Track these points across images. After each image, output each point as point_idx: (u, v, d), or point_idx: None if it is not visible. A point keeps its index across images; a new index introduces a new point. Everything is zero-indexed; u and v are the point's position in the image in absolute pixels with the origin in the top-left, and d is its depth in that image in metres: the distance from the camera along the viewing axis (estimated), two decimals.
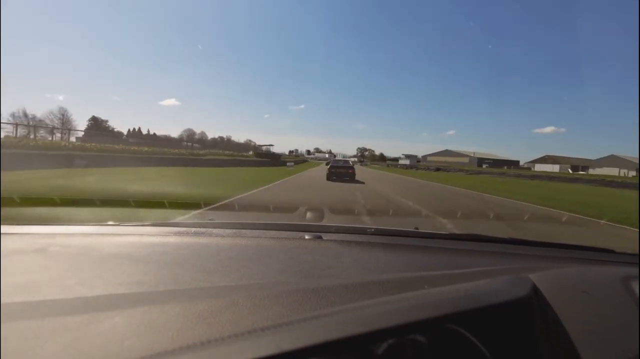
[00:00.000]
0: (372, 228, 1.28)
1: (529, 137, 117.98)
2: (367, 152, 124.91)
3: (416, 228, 1.41)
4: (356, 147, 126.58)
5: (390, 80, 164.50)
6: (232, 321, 0.51)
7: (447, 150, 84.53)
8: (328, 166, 17.64)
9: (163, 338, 0.46)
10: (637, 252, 1.13)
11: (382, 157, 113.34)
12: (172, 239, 1.08)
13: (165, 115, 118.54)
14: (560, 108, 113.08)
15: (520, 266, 0.88)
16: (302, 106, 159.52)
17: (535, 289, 0.64)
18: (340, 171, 16.73)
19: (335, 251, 1.04)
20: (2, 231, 1.01)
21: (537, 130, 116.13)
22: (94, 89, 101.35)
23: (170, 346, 0.42)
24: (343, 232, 1.27)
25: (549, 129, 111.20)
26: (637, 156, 51.85)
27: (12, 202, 3.72)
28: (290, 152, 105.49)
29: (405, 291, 0.63)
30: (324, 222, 1.83)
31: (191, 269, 0.80)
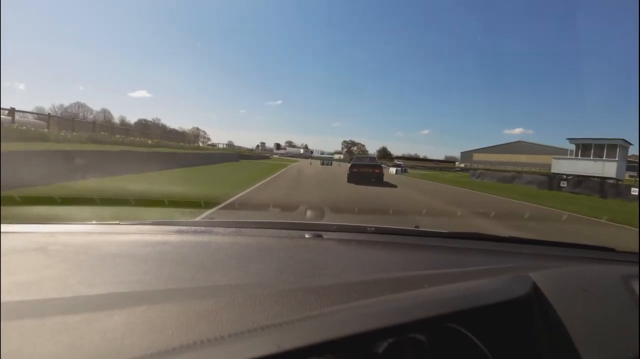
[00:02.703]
0: (372, 227, 1.28)
1: (500, 137, 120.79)
2: (355, 148, 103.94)
3: (416, 227, 1.41)
4: (341, 141, 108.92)
5: (366, 79, 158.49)
6: (232, 320, 0.51)
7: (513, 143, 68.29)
8: (321, 164, 16.01)
9: (163, 336, 0.46)
10: (638, 251, 1.13)
11: (385, 154, 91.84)
12: (173, 238, 1.08)
13: (136, 107, 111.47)
14: (528, 111, 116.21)
15: (520, 264, 0.88)
16: (279, 102, 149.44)
17: (535, 288, 0.64)
18: (364, 171, 13.69)
19: (335, 250, 1.04)
20: (2, 230, 1.01)
21: (507, 131, 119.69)
22: (56, 78, 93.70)
23: (170, 345, 0.42)
24: (343, 231, 1.27)
25: (518, 131, 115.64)
26: (544, 143, 56.66)
27: (12, 201, 3.73)
28: (258, 146, 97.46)
29: (405, 290, 0.63)
30: (324, 221, 1.83)
31: (191, 268, 0.80)
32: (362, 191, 11.27)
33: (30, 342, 0.45)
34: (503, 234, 1.30)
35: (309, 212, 2.50)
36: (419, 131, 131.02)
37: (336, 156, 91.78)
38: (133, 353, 0.42)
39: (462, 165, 62.86)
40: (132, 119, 65.34)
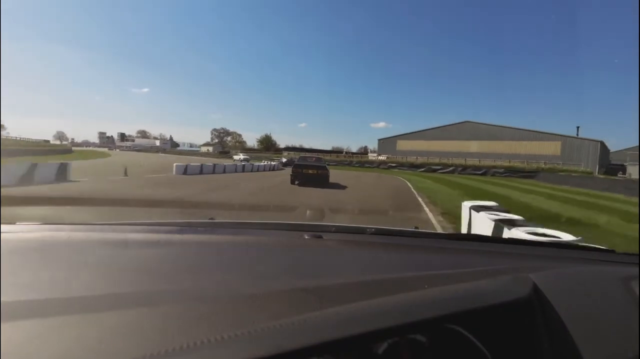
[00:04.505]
0: (372, 228, 1.28)
1: (368, 130, 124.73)
2: (229, 138, 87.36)
3: (416, 227, 1.41)
4: (210, 129, 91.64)
5: (246, 68, 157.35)
6: (232, 321, 0.51)
7: None
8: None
9: (163, 337, 0.46)
10: (638, 252, 1.13)
11: (269, 145, 74.02)
12: (173, 239, 1.08)
13: None
14: (390, 106, 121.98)
15: (520, 265, 0.87)
16: (146, 90, 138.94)
17: (535, 289, 0.64)
18: (307, 172, 12.90)
19: (335, 251, 1.04)
20: (1, 230, 1.01)
21: (373, 125, 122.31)
22: None
23: (170, 346, 0.42)
24: (343, 232, 1.27)
25: (381, 124, 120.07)
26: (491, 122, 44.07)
27: (12, 201, 3.73)
28: (57, 137, 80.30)
29: (405, 291, 0.62)
30: (324, 222, 1.83)
31: (191, 268, 0.80)
32: None
33: (30, 342, 0.45)
34: (503, 237, 1.30)
35: (308, 213, 2.50)
36: (296, 124, 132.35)
37: (203, 149, 74.42)
38: (133, 353, 0.42)
39: (382, 157, 46.82)
40: None
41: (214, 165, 20.07)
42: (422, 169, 36.64)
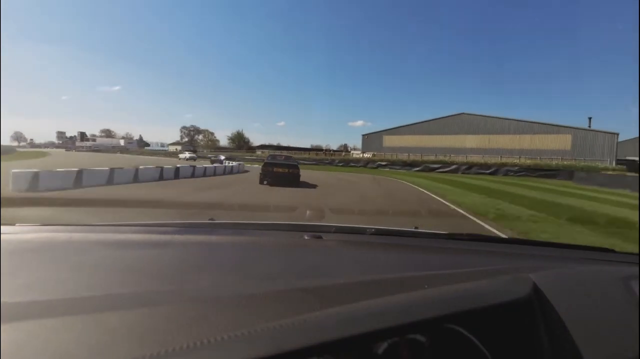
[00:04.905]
0: (372, 228, 1.28)
1: (346, 129, 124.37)
2: (200, 136, 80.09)
3: (416, 228, 1.41)
4: (180, 127, 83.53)
5: (225, 67, 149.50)
6: (233, 321, 0.51)
7: None
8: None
9: (163, 337, 0.46)
10: (637, 252, 1.13)
11: (241, 143, 67.01)
12: (173, 239, 1.08)
13: None
14: (369, 104, 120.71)
15: (520, 265, 0.88)
16: (117, 88, 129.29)
17: (535, 289, 0.64)
18: (278, 171, 12.04)
19: (335, 251, 1.04)
20: (2, 231, 1.01)
21: (351, 123, 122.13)
22: None
23: (170, 346, 0.42)
24: (343, 232, 1.27)
25: (359, 122, 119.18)
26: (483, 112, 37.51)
27: (12, 202, 3.73)
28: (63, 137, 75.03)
29: (405, 291, 0.62)
30: (324, 222, 1.84)
31: (192, 269, 0.81)
32: None
33: (30, 343, 0.45)
34: (503, 236, 1.30)
35: (308, 213, 2.50)
36: (275, 122, 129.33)
37: (171, 148, 67.38)
38: (133, 354, 0.42)
39: (367, 155, 41.57)
40: None
41: (111, 170, 11.31)
42: (418, 168, 32.40)
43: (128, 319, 0.51)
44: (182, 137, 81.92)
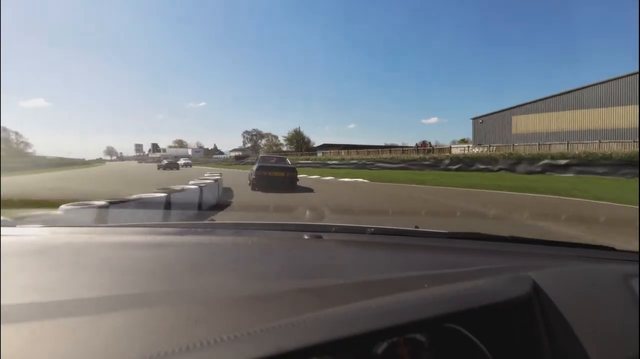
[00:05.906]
0: (372, 227, 1.28)
1: (418, 126, 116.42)
2: (263, 141, 74.52)
3: (416, 227, 1.41)
4: (242, 132, 77.55)
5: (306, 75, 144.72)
6: (232, 322, 0.51)
7: None
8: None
9: (163, 338, 0.46)
10: (638, 249, 1.13)
11: (301, 143, 56.21)
12: (173, 240, 1.08)
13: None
14: (442, 101, 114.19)
15: (520, 264, 0.87)
16: (203, 104, 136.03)
17: (535, 288, 0.64)
18: (272, 174, 10.92)
19: (335, 251, 1.04)
20: (2, 233, 1.01)
21: (424, 120, 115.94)
22: None
23: (170, 347, 0.42)
24: (343, 232, 1.27)
25: (433, 119, 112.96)
26: None
27: (11, 204, 3.73)
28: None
29: (405, 290, 0.62)
30: (324, 222, 1.83)
31: (191, 269, 0.81)
32: None
33: (30, 345, 0.45)
34: (503, 234, 1.30)
35: (308, 213, 2.50)
36: (346, 125, 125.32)
37: (232, 154, 64.39)
38: (134, 355, 0.42)
39: (476, 150, 23.79)
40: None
41: None
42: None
43: (129, 320, 0.51)
44: (244, 143, 76.67)
